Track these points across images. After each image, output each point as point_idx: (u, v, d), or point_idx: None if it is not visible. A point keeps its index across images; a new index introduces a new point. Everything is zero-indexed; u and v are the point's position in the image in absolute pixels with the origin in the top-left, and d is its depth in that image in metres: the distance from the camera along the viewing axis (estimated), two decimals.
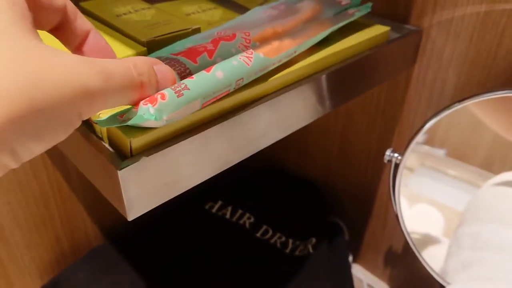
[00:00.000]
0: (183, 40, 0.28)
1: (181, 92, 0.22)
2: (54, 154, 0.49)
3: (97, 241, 0.59)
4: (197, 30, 0.34)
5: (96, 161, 0.25)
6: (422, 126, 0.38)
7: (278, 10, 0.34)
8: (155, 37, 0.32)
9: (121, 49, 0.30)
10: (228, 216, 0.59)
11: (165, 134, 0.25)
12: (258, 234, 0.56)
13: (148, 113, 0.20)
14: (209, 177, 0.28)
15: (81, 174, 0.53)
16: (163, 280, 0.53)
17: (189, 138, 0.25)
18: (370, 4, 0.38)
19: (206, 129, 0.26)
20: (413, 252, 0.56)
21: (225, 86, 0.25)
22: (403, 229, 0.42)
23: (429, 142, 0.42)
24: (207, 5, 0.41)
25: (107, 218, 0.59)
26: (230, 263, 0.54)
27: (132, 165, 0.22)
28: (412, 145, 0.38)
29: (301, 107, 0.33)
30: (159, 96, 0.21)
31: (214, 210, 0.59)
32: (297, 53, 0.32)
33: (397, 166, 0.40)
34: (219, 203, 0.60)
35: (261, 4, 0.47)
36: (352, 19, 0.37)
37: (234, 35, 0.28)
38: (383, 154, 0.52)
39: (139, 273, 0.53)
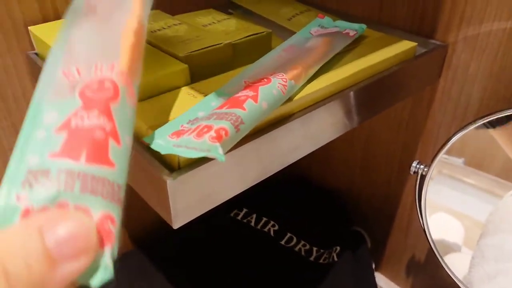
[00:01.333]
0: (205, 99, 0.28)
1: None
2: None
3: (126, 248, 0.61)
4: (228, 46, 0.35)
5: (144, 173, 0.26)
6: (448, 140, 0.39)
7: (292, 52, 0.35)
8: (191, 52, 0.33)
9: (161, 65, 0.32)
10: (253, 223, 0.60)
11: None
12: (283, 242, 0.58)
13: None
14: (245, 189, 0.29)
15: None
16: (188, 286, 0.54)
17: (228, 153, 0.27)
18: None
19: (243, 144, 0.27)
20: (435, 262, 0.57)
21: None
22: (429, 239, 0.42)
23: (447, 151, 0.43)
24: (220, 16, 0.43)
25: (135, 225, 0.60)
26: (255, 269, 0.55)
27: (179, 177, 0.24)
28: (438, 158, 0.39)
29: (329, 123, 0.34)
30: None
31: (239, 217, 0.61)
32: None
33: (423, 177, 0.41)
34: (244, 210, 0.61)
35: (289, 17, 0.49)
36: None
37: (268, 79, 0.28)
38: (406, 166, 0.53)
39: (165, 280, 0.55)
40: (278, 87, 0.28)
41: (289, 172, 0.69)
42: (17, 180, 0.16)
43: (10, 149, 0.44)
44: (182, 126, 0.25)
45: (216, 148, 0.22)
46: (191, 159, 0.25)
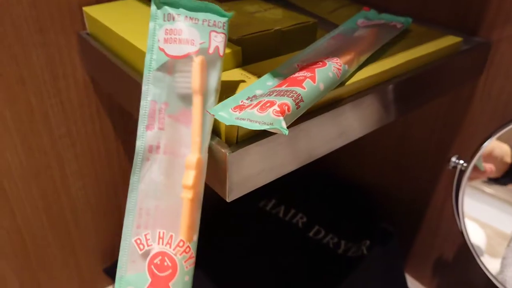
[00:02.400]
0: (262, 79, 0.29)
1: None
2: (127, 145, 0.52)
3: None
4: (278, 32, 0.36)
5: None
6: (490, 135, 0.39)
7: (341, 40, 0.35)
8: (243, 35, 0.34)
9: None
10: (281, 214, 0.61)
11: None
12: (311, 234, 0.58)
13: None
14: (297, 167, 0.30)
15: None
16: (216, 274, 0.55)
17: (293, 127, 0.27)
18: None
19: (296, 124, 0.28)
20: (462, 263, 0.57)
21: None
22: (465, 234, 0.43)
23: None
24: (266, 5, 0.44)
25: None
26: (283, 259, 0.56)
27: (238, 151, 0.25)
28: (479, 153, 0.40)
29: (376, 110, 0.34)
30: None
31: (267, 208, 0.61)
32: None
33: (461, 172, 0.41)
34: (273, 201, 0.62)
35: (330, 11, 0.49)
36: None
37: (324, 63, 0.29)
38: (439, 164, 0.53)
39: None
40: (334, 70, 0.28)
41: (318, 166, 0.69)
42: None
43: (57, 125, 0.45)
44: (242, 101, 0.26)
45: (280, 122, 0.22)
46: (248, 134, 0.26)
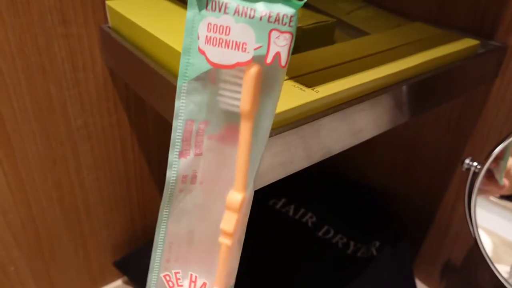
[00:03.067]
0: None
1: None
2: (142, 139, 0.53)
3: None
4: (299, 29, 0.37)
5: None
6: (505, 138, 0.39)
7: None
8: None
9: None
10: (291, 213, 0.61)
11: (285, 118, 0.27)
12: (320, 233, 0.59)
13: None
14: (315, 162, 0.30)
15: (162, 161, 0.57)
16: None
17: (305, 125, 0.28)
18: None
19: (321, 117, 0.29)
20: (471, 267, 0.57)
21: None
22: (476, 236, 0.43)
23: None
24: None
25: None
26: (292, 258, 0.56)
27: None
28: (493, 155, 0.40)
29: (392, 109, 0.35)
30: None
31: (277, 206, 0.62)
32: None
33: (475, 174, 0.42)
34: (283, 200, 0.62)
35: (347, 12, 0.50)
36: None
37: None
38: (451, 166, 0.54)
39: None
40: None
41: (328, 166, 0.70)
42: None
43: (74, 117, 0.46)
44: None
45: None
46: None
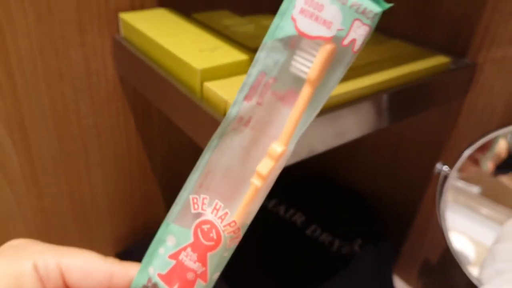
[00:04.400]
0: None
1: None
2: (146, 141, 0.57)
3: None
4: None
5: None
6: (470, 145, 0.44)
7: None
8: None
9: (235, 54, 0.38)
10: (281, 213, 0.66)
11: None
12: (308, 232, 0.63)
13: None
14: (301, 159, 0.35)
15: (164, 161, 0.62)
16: None
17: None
18: None
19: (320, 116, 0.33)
20: (447, 267, 0.62)
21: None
22: (445, 234, 0.47)
23: (464, 178, 0.48)
24: None
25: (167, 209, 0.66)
26: (281, 255, 0.60)
27: None
28: (461, 160, 0.45)
29: (372, 115, 0.40)
30: None
31: (269, 206, 0.66)
32: None
33: (445, 178, 0.46)
34: (274, 201, 0.67)
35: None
36: None
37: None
38: (429, 172, 0.58)
39: None
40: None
41: (318, 171, 0.74)
42: (142, 280, 0.24)
43: (86, 117, 0.50)
44: None
45: None
46: None
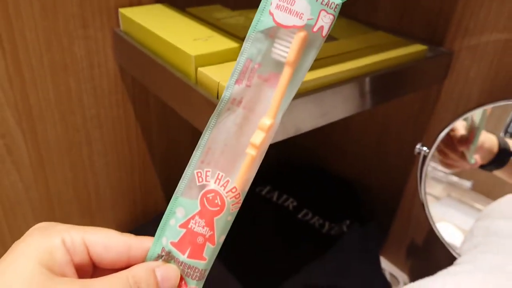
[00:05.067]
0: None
1: (203, 275, 0.27)
2: (145, 130, 0.61)
3: (163, 210, 0.70)
4: None
5: None
6: (446, 126, 0.48)
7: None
8: None
9: (226, 42, 0.42)
10: (274, 198, 0.69)
11: None
12: (300, 216, 0.66)
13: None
14: (287, 137, 0.39)
15: (162, 150, 0.65)
16: None
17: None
18: None
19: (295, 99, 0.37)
20: (432, 246, 0.65)
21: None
22: (427, 213, 0.51)
23: (457, 173, 0.51)
24: None
25: (173, 191, 0.70)
26: (275, 237, 0.64)
27: None
28: (438, 140, 0.48)
29: (355, 97, 0.43)
30: None
31: (263, 193, 0.70)
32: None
33: (424, 158, 0.50)
34: (268, 187, 0.70)
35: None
36: None
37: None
38: (413, 156, 0.62)
39: None
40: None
41: (309, 160, 0.78)
42: (156, 250, 0.27)
43: (89, 107, 0.54)
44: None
45: None
46: None
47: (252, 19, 0.38)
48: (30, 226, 0.55)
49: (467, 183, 0.53)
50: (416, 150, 0.51)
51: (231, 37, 0.43)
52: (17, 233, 0.55)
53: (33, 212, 0.55)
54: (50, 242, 0.24)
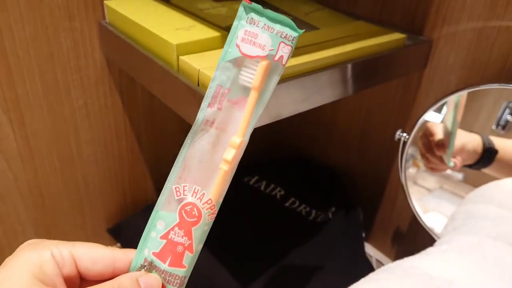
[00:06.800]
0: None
1: (184, 282, 0.29)
2: (133, 120, 0.62)
3: (153, 199, 0.71)
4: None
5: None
6: (424, 112, 0.49)
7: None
8: (231, 24, 0.44)
9: (207, 32, 0.43)
10: (262, 188, 0.70)
11: None
12: (287, 204, 0.68)
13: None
14: (271, 121, 0.40)
15: (150, 139, 0.66)
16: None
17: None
18: None
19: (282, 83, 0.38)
20: (416, 230, 0.67)
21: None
22: (406, 191, 0.52)
23: None
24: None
25: (163, 180, 0.71)
26: (263, 225, 0.65)
27: None
28: (417, 126, 0.50)
29: (337, 82, 0.44)
30: None
31: (251, 182, 0.71)
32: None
33: (404, 143, 0.51)
34: (256, 177, 0.71)
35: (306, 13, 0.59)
36: None
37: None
38: (396, 143, 0.63)
39: None
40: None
41: (296, 151, 0.79)
42: (139, 260, 0.29)
43: (76, 97, 0.55)
44: None
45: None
46: None
47: (235, 10, 0.40)
48: (20, 216, 0.56)
49: (459, 175, 0.54)
50: (397, 136, 0.52)
51: (213, 26, 0.44)
52: (7, 223, 0.56)
53: (23, 200, 0.56)
54: (41, 255, 0.26)
